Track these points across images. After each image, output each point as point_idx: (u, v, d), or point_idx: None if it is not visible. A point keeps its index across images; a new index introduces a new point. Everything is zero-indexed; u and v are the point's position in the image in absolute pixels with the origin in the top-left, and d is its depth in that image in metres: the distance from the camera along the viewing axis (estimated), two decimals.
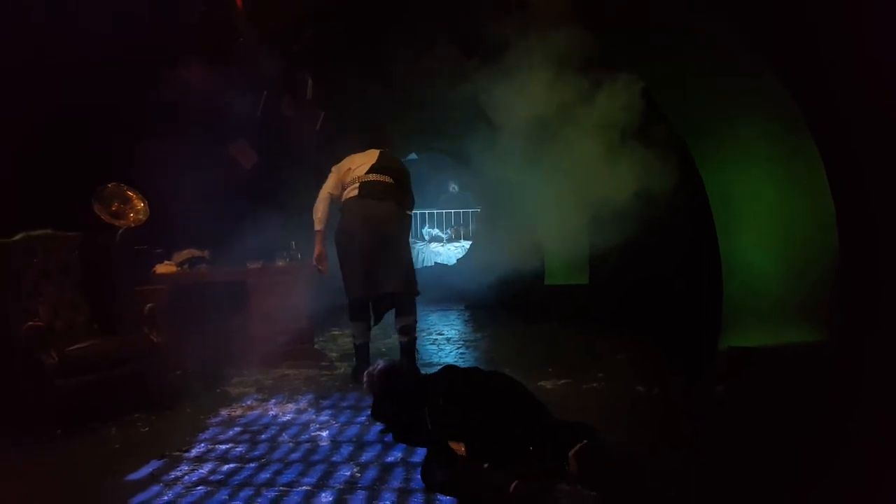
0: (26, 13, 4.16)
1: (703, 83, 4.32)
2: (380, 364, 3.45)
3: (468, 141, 5.98)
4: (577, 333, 5.91)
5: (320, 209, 4.31)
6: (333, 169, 4.38)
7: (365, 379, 3.44)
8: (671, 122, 4.62)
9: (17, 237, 3.90)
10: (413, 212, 4.50)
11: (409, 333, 4.33)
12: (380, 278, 4.08)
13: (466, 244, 12.00)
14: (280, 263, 5.44)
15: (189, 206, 4.90)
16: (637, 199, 4.54)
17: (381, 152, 4.32)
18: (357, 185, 4.15)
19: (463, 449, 2.61)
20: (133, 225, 4.78)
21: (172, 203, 4.97)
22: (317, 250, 4.37)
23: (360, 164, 4.23)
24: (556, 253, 7.09)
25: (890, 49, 2.89)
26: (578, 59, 4.66)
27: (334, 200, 4.33)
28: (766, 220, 4.16)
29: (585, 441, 2.51)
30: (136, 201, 4.85)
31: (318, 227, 4.32)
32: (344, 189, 4.26)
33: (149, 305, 4.07)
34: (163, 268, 5.09)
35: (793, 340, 3.84)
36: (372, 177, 4.15)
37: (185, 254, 5.26)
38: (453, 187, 13.40)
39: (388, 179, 4.18)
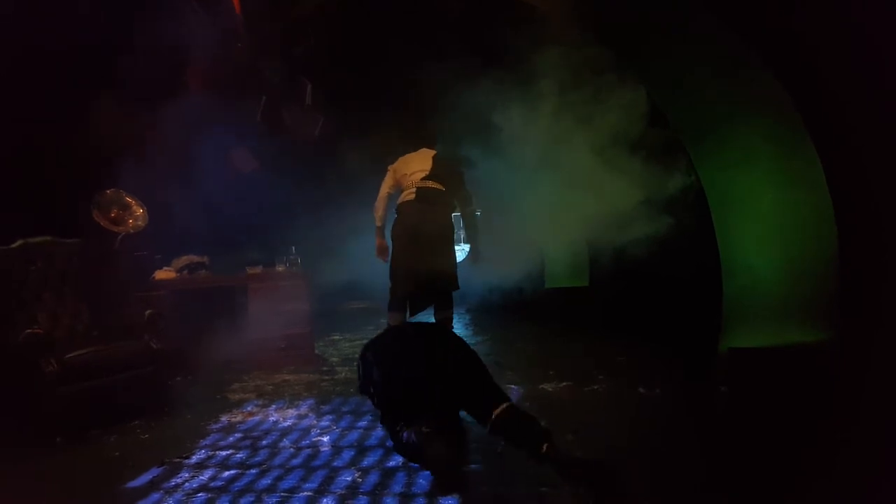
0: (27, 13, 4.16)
1: (701, 84, 4.30)
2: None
3: (468, 143, 5.97)
4: (578, 335, 5.90)
5: (381, 208, 4.67)
6: (390, 169, 4.70)
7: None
8: (670, 123, 4.62)
9: (16, 244, 3.90)
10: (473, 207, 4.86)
11: (447, 325, 4.61)
12: (430, 276, 4.39)
13: (467, 247, 11.96)
14: (280, 268, 5.43)
15: (189, 212, 4.89)
16: (637, 200, 4.54)
17: (434, 157, 4.62)
18: (414, 190, 4.48)
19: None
20: (132, 231, 4.79)
21: (172, 208, 4.97)
22: (378, 243, 4.69)
23: (415, 169, 4.56)
24: (556, 255, 7.08)
25: (890, 49, 2.88)
26: (580, 64, 4.67)
27: (392, 199, 4.67)
28: (766, 220, 4.15)
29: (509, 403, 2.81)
30: (135, 207, 4.85)
31: (378, 223, 4.69)
32: (401, 191, 4.60)
33: (148, 311, 4.07)
34: (162, 273, 5.08)
35: (794, 340, 3.83)
36: (428, 183, 4.49)
37: (185, 259, 5.24)
38: None
39: (441, 187, 4.51)
